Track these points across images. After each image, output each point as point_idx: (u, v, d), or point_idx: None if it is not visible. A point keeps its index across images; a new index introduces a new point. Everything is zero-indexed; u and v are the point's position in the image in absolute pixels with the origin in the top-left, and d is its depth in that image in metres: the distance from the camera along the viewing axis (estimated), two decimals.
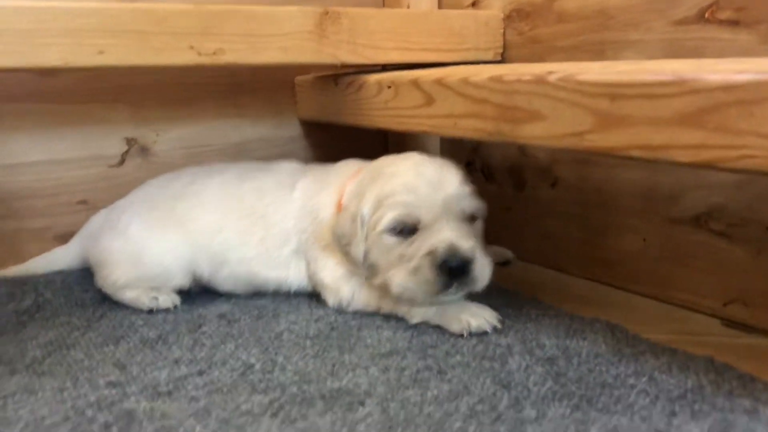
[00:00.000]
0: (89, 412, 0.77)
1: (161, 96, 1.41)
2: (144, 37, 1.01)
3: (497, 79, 0.89)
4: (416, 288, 0.97)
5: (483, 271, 0.98)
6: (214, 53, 1.07)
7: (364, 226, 1.02)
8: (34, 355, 0.94)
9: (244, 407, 0.77)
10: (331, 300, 1.10)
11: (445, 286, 0.96)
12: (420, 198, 0.99)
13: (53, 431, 0.73)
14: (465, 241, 0.97)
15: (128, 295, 1.13)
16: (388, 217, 0.99)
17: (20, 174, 1.31)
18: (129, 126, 1.40)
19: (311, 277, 1.13)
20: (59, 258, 1.30)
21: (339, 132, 1.46)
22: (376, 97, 1.18)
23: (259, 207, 1.15)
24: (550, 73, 0.82)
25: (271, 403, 0.78)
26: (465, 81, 0.95)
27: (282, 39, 1.11)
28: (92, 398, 0.81)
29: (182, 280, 1.15)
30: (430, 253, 0.96)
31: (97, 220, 1.27)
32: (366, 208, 1.02)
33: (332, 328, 1.02)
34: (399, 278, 0.98)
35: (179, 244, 1.13)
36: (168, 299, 1.12)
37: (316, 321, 1.05)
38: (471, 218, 1.03)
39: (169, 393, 0.82)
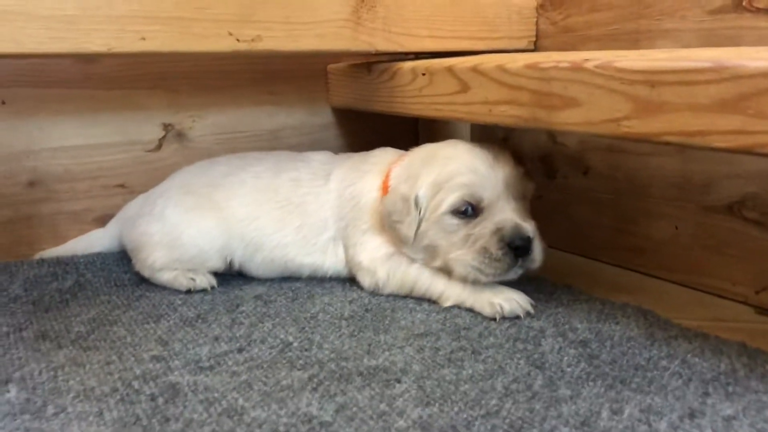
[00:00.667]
0: (136, 384, 0.80)
1: (198, 83, 1.44)
2: (185, 24, 1.04)
3: (533, 66, 0.90)
4: (484, 268, 0.99)
5: (540, 250, 1.01)
6: (253, 40, 1.09)
7: (419, 209, 1.04)
8: (79, 330, 0.98)
9: (284, 382, 0.80)
10: (366, 281, 1.12)
11: (511, 265, 0.99)
12: (482, 178, 1.01)
13: (102, 401, 0.76)
14: (525, 220, 1.02)
15: (166, 277, 1.16)
16: (452, 198, 1.01)
17: (61, 157, 1.35)
18: (166, 112, 1.43)
19: (349, 261, 1.15)
20: (98, 240, 1.34)
21: (370, 119, 1.48)
22: (410, 85, 1.19)
23: (295, 197, 1.18)
24: (587, 60, 0.83)
25: (310, 378, 0.81)
26: (501, 68, 0.96)
27: (318, 26, 1.13)
28: (138, 371, 0.83)
29: (217, 263, 1.17)
30: (498, 232, 0.99)
31: (134, 205, 1.30)
32: (422, 191, 1.03)
33: (366, 310, 1.04)
34: (466, 258, 1.01)
35: (214, 228, 1.16)
36: (205, 280, 1.15)
37: (350, 303, 1.07)
38: (523, 198, 1.06)
39: (211, 368, 0.84)
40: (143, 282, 1.18)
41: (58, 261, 1.26)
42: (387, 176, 1.12)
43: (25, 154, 1.32)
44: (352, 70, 1.44)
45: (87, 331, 0.98)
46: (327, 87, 1.56)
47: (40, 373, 0.83)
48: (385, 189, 1.11)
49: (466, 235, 1.01)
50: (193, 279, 1.15)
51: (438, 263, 1.05)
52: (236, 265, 1.19)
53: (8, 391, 0.78)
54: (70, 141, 1.35)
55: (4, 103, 1.30)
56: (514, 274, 1.01)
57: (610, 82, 0.79)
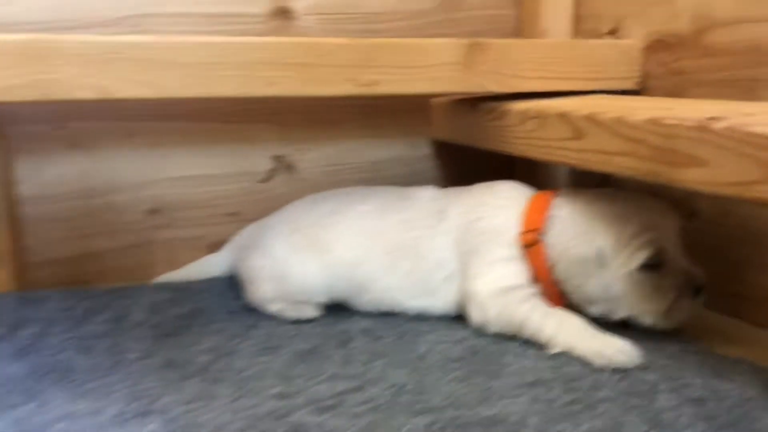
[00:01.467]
0: (266, 422, 0.83)
1: (307, 117, 1.50)
2: (309, 70, 1.09)
3: (656, 122, 0.90)
4: (675, 318, 1.07)
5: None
6: (370, 84, 1.13)
7: (604, 267, 1.06)
8: (201, 360, 1.02)
9: (405, 428, 0.82)
10: (476, 314, 1.12)
11: (693, 311, 1.08)
12: (664, 233, 1.07)
13: None
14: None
15: (275, 308, 1.21)
16: (643, 256, 1.05)
17: (180, 187, 1.43)
18: (276, 144, 1.49)
19: (463, 292, 1.15)
20: (212, 265, 1.40)
21: (466, 152, 1.50)
22: (519, 126, 1.21)
23: (407, 239, 1.19)
24: (714, 119, 0.83)
25: (428, 426, 0.82)
26: (620, 120, 0.96)
27: (432, 70, 1.16)
28: (264, 409, 0.87)
29: (323, 298, 1.22)
30: (687, 283, 1.06)
31: (247, 233, 1.37)
32: (606, 249, 1.06)
33: (474, 352, 1.05)
34: (660, 310, 1.06)
35: (319, 270, 1.19)
36: (312, 311, 1.20)
37: (456, 343, 1.08)
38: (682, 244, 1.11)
39: (333, 407, 0.87)
40: (254, 310, 1.23)
41: (176, 287, 1.33)
42: (531, 212, 1.14)
43: (148, 183, 1.41)
44: (457, 106, 1.46)
45: (208, 361, 1.02)
46: (430, 121, 1.59)
47: (174, 405, 0.88)
48: (528, 224, 1.13)
49: (656, 287, 1.06)
50: (301, 310, 1.19)
51: (622, 314, 1.09)
52: (342, 301, 1.23)
53: (151, 422, 0.83)
54: (189, 171, 1.43)
55: (132, 135, 1.38)
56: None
57: (739, 145, 0.79)
